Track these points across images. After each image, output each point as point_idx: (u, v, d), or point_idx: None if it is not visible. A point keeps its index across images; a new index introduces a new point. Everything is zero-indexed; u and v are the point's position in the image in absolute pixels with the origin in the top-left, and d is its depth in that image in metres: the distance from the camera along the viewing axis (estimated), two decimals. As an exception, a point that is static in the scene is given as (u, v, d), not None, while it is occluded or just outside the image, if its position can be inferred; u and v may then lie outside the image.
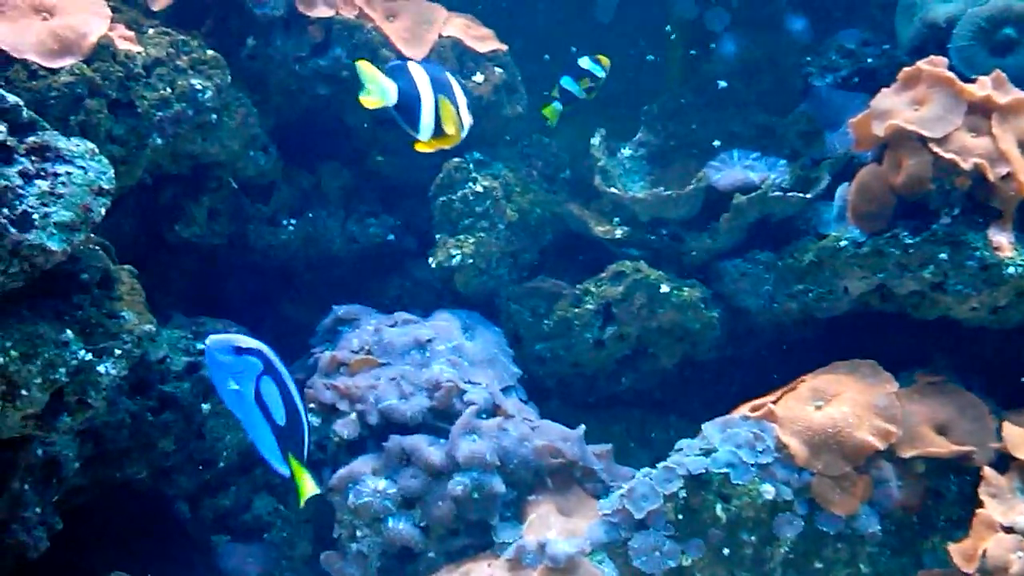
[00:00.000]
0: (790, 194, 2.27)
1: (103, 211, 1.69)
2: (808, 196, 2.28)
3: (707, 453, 2.01)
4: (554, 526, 1.99)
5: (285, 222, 2.46)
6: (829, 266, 2.19)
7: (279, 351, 2.41)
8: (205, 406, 2.15)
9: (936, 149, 2.01)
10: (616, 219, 2.36)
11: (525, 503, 2.08)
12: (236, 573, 2.23)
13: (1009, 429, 1.98)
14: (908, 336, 2.28)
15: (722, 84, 2.59)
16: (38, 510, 1.94)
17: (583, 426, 2.13)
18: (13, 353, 1.58)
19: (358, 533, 2.04)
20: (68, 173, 1.68)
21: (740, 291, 2.33)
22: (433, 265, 2.36)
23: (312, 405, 2.20)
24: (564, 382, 2.47)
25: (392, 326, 2.28)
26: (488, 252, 2.37)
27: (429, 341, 2.21)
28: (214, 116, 2.16)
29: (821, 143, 2.44)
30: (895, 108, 2.09)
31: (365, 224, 2.52)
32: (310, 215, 2.49)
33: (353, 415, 2.13)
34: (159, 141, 2.04)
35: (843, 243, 2.15)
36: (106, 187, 1.71)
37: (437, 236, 2.40)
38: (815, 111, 2.53)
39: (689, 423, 2.51)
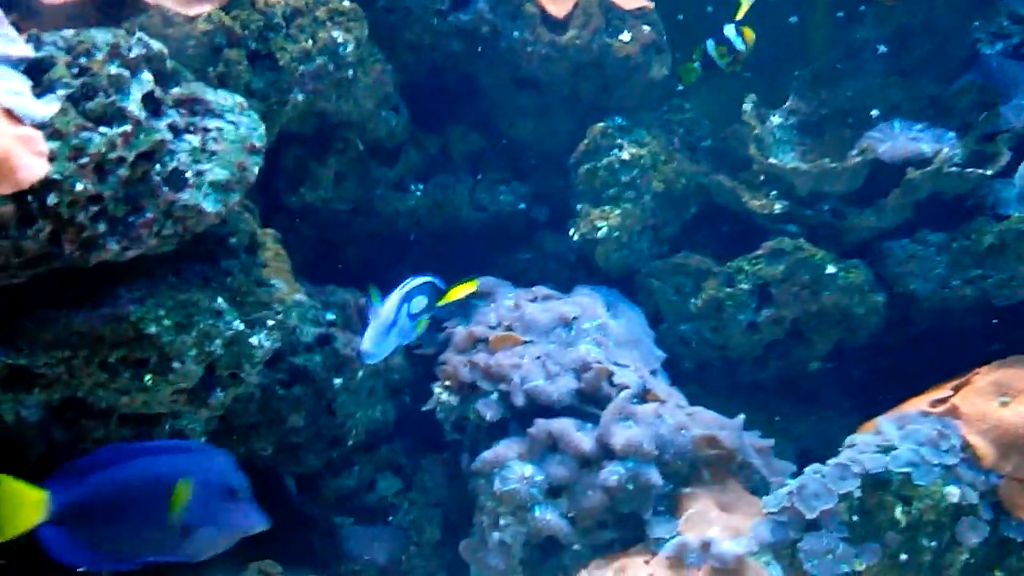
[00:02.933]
0: (968, 170, 2.10)
1: (256, 170, 1.58)
2: (988, 173, 2.10)
3: (886, 451, 1.87)
4: (715, 523, 1.86)
5: (412, 187, 2.34)
6: (1013, 250, 2.03)
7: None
8: (337, 380, 2.05)
9: None
10: (773, 192, 2.21)
11: (679, 496, 1.95)
12: (362, 557, 2.13)
13: None
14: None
15: (881, 48, 2.42)
16: (165, 485, 1.85)
17: (742, 415, 2.00)
18: (167, 322, 1.48)
19: (501, 521, 1.93)
20: (219, 128, 1.58)
21: (907, 274, 2.17)
22: (575, 237, 2.23)
23: (448, 383, 2.09)
24: (704, 366, 2.33)
25: (532, 301, 2.16)
26: (632, 225, 2.23)
27: (575, 319, 2.08)
28: (351, 72, 2.04)
29: (996, 115, 2.25)
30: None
31: (495, 192, 2.40)
32: (437, 180, 2.37)
33: (495, 395, 2.01)
34: (299, 97, 1.93)
35: (1030, 225, 1.99)
36: (258, 144, 1.60)
37: (578, 206, 2.26)
38: (984, 81, 2.35)
39: (835, 416, 2.37)
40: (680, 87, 2.32)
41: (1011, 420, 1.86)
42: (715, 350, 2.27)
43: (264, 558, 1.94)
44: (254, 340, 1.58)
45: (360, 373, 2.08)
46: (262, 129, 1.62)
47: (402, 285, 1.65)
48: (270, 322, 1.60)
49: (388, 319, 1.51)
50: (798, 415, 2.36)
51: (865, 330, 2.23)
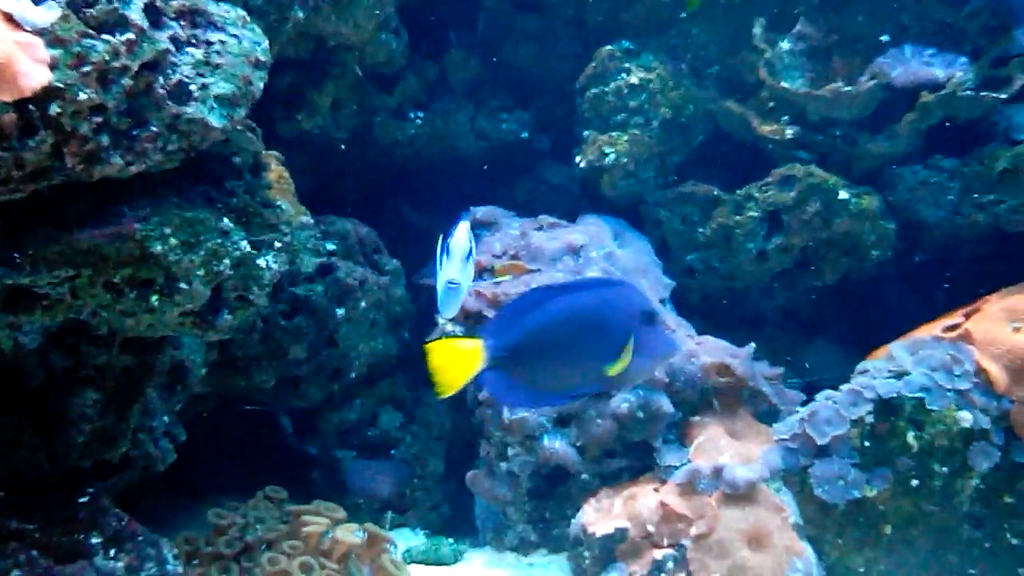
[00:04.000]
0: (983, 93, 2.09)
1: (261, 86, 1.55)
2: (1003, 97, 2.10)
3: (899, 376, 1.88)
4: (726, 450, 1.87)
5: (412, 115, 2.31)
6: (1029, 174, 2.03)
7: (401, 257, 2.30)
8: (339, 311, 2.04)
9: None
10: (784, 117, 2.19)
11: (689, 424, 1.96)
12: (365, 491, 2.14)
13: None
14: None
15: (891, -30, 2.39)
16: (164, 419, 1.84)
17: (752, 344, 2.00)
18: (173, 241, 1.45)
19: (509, 451, 1.93)
20: (222, 42, 1.53)
21: (918, 200, 2.17)
22: (582, 165, 2.21)
23: (453, 313, 2.08)
24: (709, 298, 2.33)
25: (539, 230, 2.14)
26: (639, 152, 2.21)
27: (582, 247, 2.07)
28: (351, -10, 2.00)
29: (1008, 39, 2.24)
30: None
31: (497, 120, 2.37)
32: (437, 108, 2.33)
33: (502, 325, 2.00)
34: (300, 15, 1.89)
35: (1045, 149, 1.99)
36: (263, 59, 1.56)
37: (585, 133, 2.24)
38: (997, 4, 2.33)
39: (839, 346, 2.39)
40: (685, 13, 2.28)
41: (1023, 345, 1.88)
42: (722, 280, 2.27)
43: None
44: (262, 262, 1.55)
45: (363, 303, 2.07)
46: (266, 43, 1.58)
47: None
48: (277, 244, 1.58)
49: (465, 248, 1.46)
50: (803, 346, 2.37)
51: (873, 259, 2.23)
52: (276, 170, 1.71)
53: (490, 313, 2.01)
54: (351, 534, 1.53)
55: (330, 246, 2.07)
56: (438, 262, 1.45)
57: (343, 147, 2.31)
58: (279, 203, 1.62)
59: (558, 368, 1.33)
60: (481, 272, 2.10)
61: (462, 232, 1.40)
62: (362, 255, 2.14)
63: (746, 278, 2.25)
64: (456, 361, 1.31)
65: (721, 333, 2.31)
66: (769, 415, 2.03)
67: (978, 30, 2.27)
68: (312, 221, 1.68)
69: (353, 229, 2.14)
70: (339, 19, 2.04)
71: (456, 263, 1.41)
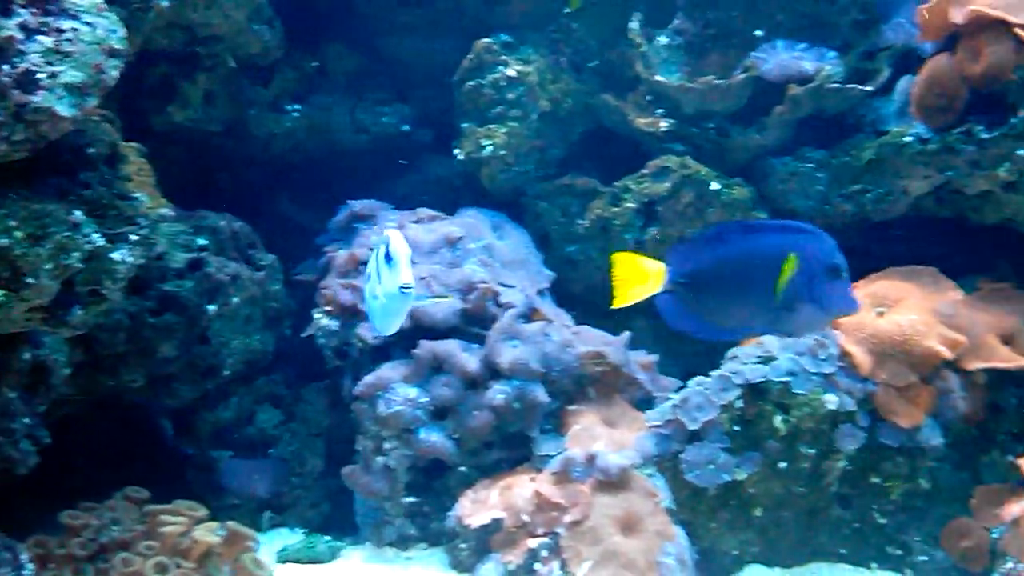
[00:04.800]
0: (849, 86, 2.18)
1: (116, 74, 1.53)
2: (869, 89, 2.18)
3: (766, 361, 1.94)
4: (600, 438, 1.91)
5: (289, 108, 2.30)
6: (891, 164, 2.11)
7: (280, 252, 2.28)
8: (211, 307, 2.01)
9: (1022, 34, 1.92)
10: (659, 110, 2.24)
11: (566, 413, 1.99)
12: (242, 491, 2.12)
13: (1079, 338, 1.93)
14: (965, 242, 2.22)
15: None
16: (26, 420, 1.80)
17: (628, 332, 2.05)
18: (18, 234, 1.43)
19: (386, 445, 1.94)
20: (75, 29, 1.51)
21: (789, 191, 2.24)
22: (461, 157, 2.23)
23: (328, 308, 2.08)
24: (592, 288, 2.36)
25: (416, 223, 2.15)
26: (518, 145, 2.24)
27: (459, 239, 2.09)
28: (219, -21, 1.99)
29: (877, 33, 2.33)
30: (974, -7, 2.00)
31: (376, 112, 2.37)
32: (315, 101, 2.33)
33: (378, 318, 2.00)
34: (164, 4, 1.86)
35: (907, 139, 2.07)
36: (118, 47, 1.54)
37: (464, 125, 2.26)
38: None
39: (721, 334, 2.44)
40: (568, 9, 2.32)
41: (886, 329, 1.96)
42: (602, 271, 2.30)
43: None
44: (116, 255, 1.53)
45: (235, 299, 2.05)
46: (122, 31, 1.56)
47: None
48: (133, 237, 1.56)
49: (409, 253, 1.38)
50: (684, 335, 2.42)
51: (750, 249, 2.29)
52: (136, 162, 1.69)
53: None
54: (211, 533, 1.52)
55: (201, 241, 2.05)
56: (375, 273, 1.39)
57: (218, 140, 2.28)
58: (136, 195, 1.60)
59: (733, 304, 1.36)
60: (358, 265, 2.10)
61: (399, 238, 1.37)
62: (236, 250, 2.12)
63: (624, 269, 2.29)
64: (637, 276, 1.36)
65: (605, 324, 2.36)
66: (646, 402, 2.07)
67: (849, 24, 2.35)
68: (172, 214, 1.66)
69: (227, 224, 2.12)
70: (207, 8, 2.02)
71: (406, 267, 1.34)
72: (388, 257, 1.36)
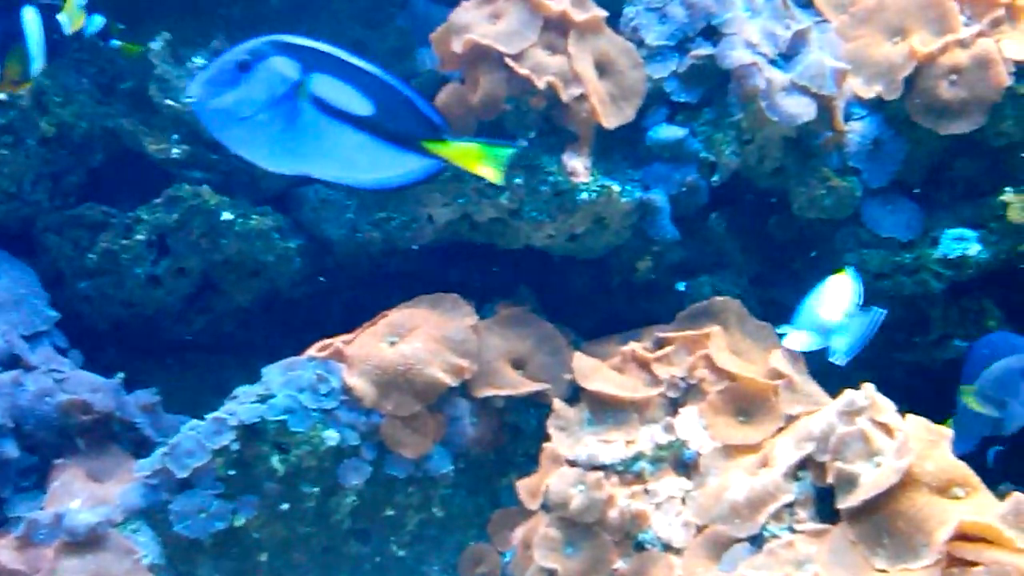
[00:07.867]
0: (360, 113, 2.18)
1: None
2: (380, 115, 2.20)
3: (264, 399, 1.90)
4: (79, 494, 1.80)
5: None
6: (412, 192, 2.14)
7: None
8: None
9: (512, 65, 1.99)
10: (175, 136, 2.16)
11: (52, 469, 1.86)
12: None
13: (579, 360, 2.02)
14: (496, 267, 2.29)
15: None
16: None
17: (121, 374, 1.94)
18: None
19: None
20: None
21: (321, 219, 2.22)
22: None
23: None
24: (120, 325, 2.25)
25: None
26: (15, 172, 2.09)
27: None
28: None
29: (411, 60, 2.37)
30: (473, 22, 2.05)
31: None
32: None
33: None
34: None
35: (425, 167, 2.11)
36: None
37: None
38: (410, 25, 2.46)
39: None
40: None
41: (391, 359, 1.96)
42: (123, 307, 2.19)
43: None
44: None
45: None
46: None
47: None
48: None
49: None
50: (234, 370, 2.35)
51: (286, 279, 2.25)
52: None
53: None
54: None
55: None
56: None
57: None
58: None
59: None
60: None
61: None
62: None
63: (149, 304, 2.19)
64: None
65: (142, 361, 2.25)
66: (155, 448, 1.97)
67: (388, 51, 2.37)
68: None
69: None
70: None
71: None
72: None
